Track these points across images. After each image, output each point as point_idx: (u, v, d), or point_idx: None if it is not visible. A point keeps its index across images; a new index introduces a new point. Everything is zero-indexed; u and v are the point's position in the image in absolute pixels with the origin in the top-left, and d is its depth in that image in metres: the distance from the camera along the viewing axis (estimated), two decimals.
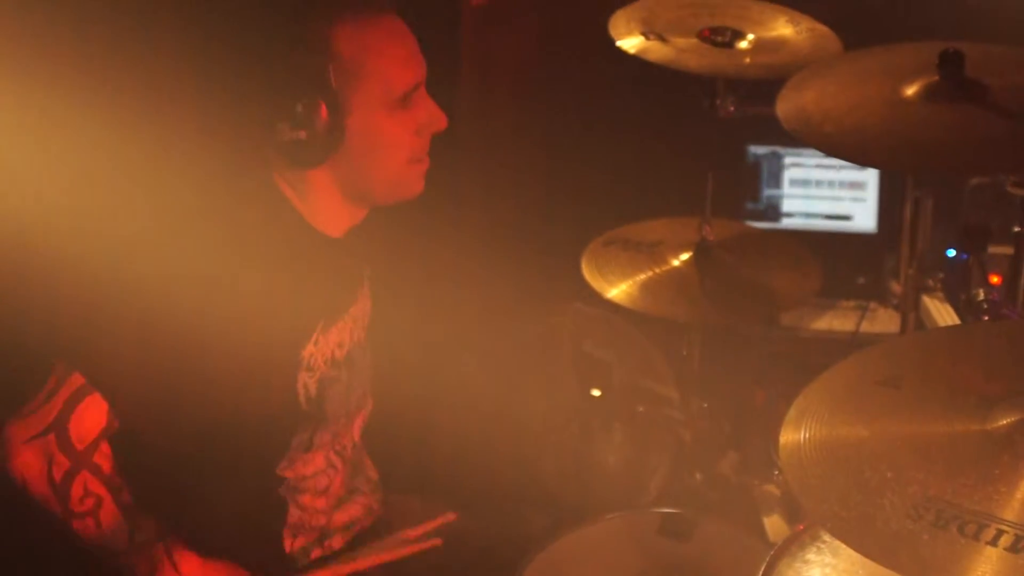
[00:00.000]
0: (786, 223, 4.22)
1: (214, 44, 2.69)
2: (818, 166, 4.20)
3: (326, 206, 2.35)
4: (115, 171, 2.68)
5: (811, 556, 2.03)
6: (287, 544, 2.45)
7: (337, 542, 2.53)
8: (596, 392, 3.23)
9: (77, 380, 2.17)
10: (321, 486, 2.47)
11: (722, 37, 3.03)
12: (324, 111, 2.21)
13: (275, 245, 2.29)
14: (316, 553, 2.49)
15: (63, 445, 2.17)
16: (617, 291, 2.92)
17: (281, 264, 2.27)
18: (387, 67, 2.25)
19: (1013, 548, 1.42)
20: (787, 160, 4.21)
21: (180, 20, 2.88)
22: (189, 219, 2.28)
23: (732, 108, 3.10)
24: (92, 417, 2.19)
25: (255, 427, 2.31)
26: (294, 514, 2.44)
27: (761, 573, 1.99)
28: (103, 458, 2.21)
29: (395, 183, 2.36)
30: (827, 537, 2.02)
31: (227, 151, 2.39)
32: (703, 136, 3.72)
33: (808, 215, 4.23)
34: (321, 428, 2.43)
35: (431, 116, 2.33)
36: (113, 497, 2.22)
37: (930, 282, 3.15)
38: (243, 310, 2.20)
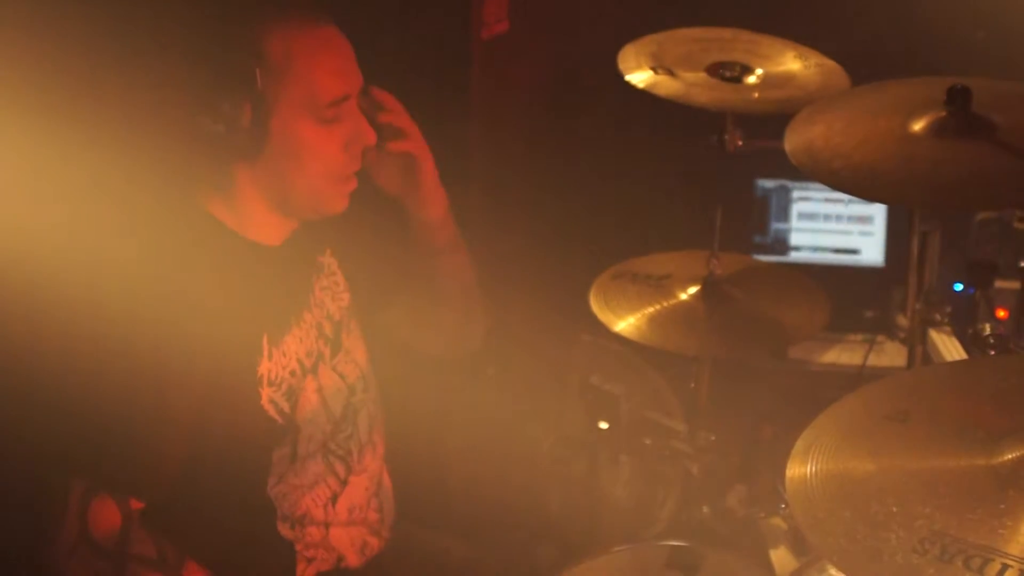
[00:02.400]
0: (794, 257, 4.23)
1: (141, 35, 2.69)
2: (826, 200, 4.21)
3: (255, 215, 2.34)
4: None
5: None
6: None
7: (354, 561, 2.53)
8: (604, 425, 3.23)
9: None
10: (323, 497, 2.47)
11: (731, 72, 3.04)
12: (248, 110, 2.22)
13: (202, 263, 2.27)
14: None
15: (96, 552, 2.16)
16: (625, 324, 2.93)
17: (212, 281, 2.26)
18: (314, 75, 2.25)
19: None
20: (795, 194, 4.22)
21: (105, 12, 2.86)
22: (112, 241, 2.26)
23: (740, 142, 3.10)
24: (108, 516, 2.18)
25: (234, 454, 2.30)
26: (304, 542, 2.44)
27: None
28: (141, 542, 2.20)
29: (316, 196, 2.35)
30: (833, 571, 2.02)
31: (150, 160, 2.37)
32: (711, 170, 3.73)
33: (816, 249, 4.24)
34: (302, 436, 2.41)
35: (358, 131, 2.33)
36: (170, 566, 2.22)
37: (937, 316, 3.15)
38: (185, 336, 2.18)
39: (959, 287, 3.61)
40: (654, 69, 3.02)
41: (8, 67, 2.60)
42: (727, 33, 3.20)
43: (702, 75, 3.03)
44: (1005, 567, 1.44)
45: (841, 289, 3.47)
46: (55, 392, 2.16)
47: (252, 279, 2.34)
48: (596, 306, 2.99)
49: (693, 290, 3.01)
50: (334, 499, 2.48)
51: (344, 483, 2.50)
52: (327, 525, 2.48)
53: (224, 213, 2.33)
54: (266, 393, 2.33)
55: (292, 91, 2.24)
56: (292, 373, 2.38)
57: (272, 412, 2.34)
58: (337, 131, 2.30)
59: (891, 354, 4.00)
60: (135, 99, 2.52)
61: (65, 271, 2.17)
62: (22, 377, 2.20)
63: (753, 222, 4.23)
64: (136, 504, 2.20)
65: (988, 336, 2.68)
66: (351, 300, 2.57)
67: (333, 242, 2.55)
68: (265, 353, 2.33)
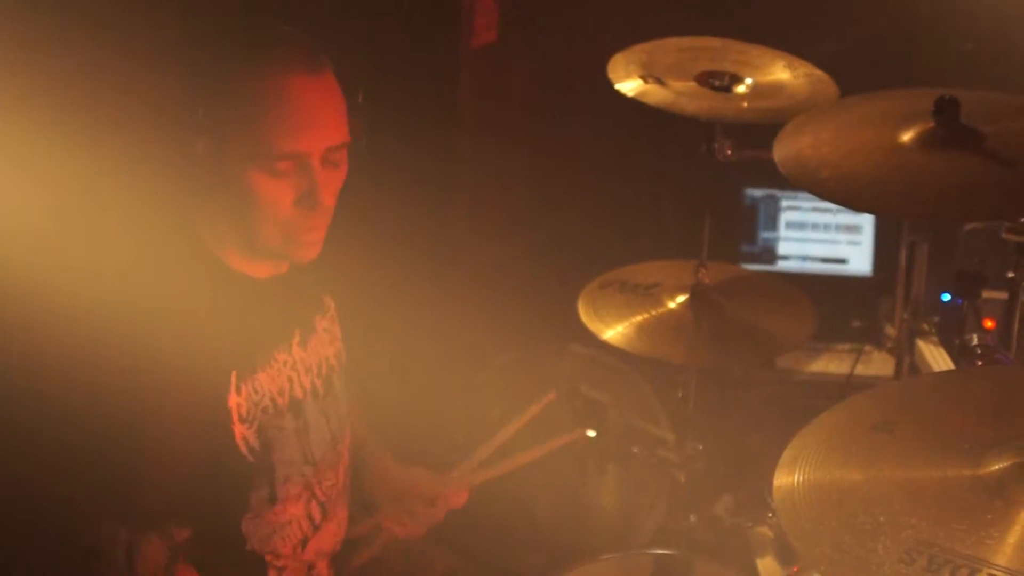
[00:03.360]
0: (782, 266, 4.24)
1: (139, 53, 2.69)
2: (814, 209, 4.21)
3: (239, 250, 2.31)
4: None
5: None
6: None
7: (323, 568, 2.52)
8: (591, 433, 3.23)
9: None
10: (295, 539, 2.44)
11: (720, 81, 3.05)
12: (203, 145, 2.20)
13: (183, 285, 2.24)
14: None
15: None
16: (613, 333, 2.93)
17: (188, 305, 2.22)
18: (265, 126, 2.18)
19: None
20: (783, 203, 4.23)
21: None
22: (102, 253, 2.26)
23: (729, 152, 3.10)
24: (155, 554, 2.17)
25: (207, 493, 2.26)
26: (273, 560, 2.42)
27: None
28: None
29: (274, 243, 2.28)
30: None
31: (144, 176, 2.37)
32: (700, 179, 3.73)
33: (804, 258, 4.24)
34: (278, 476, 2.38)
35: (313, 189, 2.23)
36: None
37: (925, 326, 3.16)
38: (156, 358, 2.14)
39: (947, 297, 3.62)
40: (643, 78, 3.02)
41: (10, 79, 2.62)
42: (716, 42, 3.20)
43: (691, 84, 3.03)
44: None
45: (829, 299, 3.48)
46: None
47: (231, 309, 2.30)
48: (585, 315, 3.00)
49: (681, 299, 3.01)
50: (304, 542, 2.47)
51: (316, 528, 2.49)
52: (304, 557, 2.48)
53: (211, 239, 2.31)
54: (239, 429, 2.29)
55: (242, 135, 2.19)
56: (264, 410, 2.33)
57: (244, 449, 2.30)
58: (288, 184, 2.22)
59: (878, 364, 4.00)
60: (133, 113, 2.53)
61: (52, 283, 2.18)
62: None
63: (741, 231, 4.23)
64: (181, 533, 2.19)
65: (975, 346, 2.69)
66: (342, 346, 2.56)
67: (334, 286, 2.53)
68: (233, 386, 2.28)
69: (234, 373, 2.28)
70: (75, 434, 2.14)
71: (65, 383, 2.15)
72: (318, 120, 2.23)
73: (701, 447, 3.18)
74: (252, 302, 2.34)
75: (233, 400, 2.28)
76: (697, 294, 3.01)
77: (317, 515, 2.47)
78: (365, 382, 2.69)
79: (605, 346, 2.95)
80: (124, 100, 2.82)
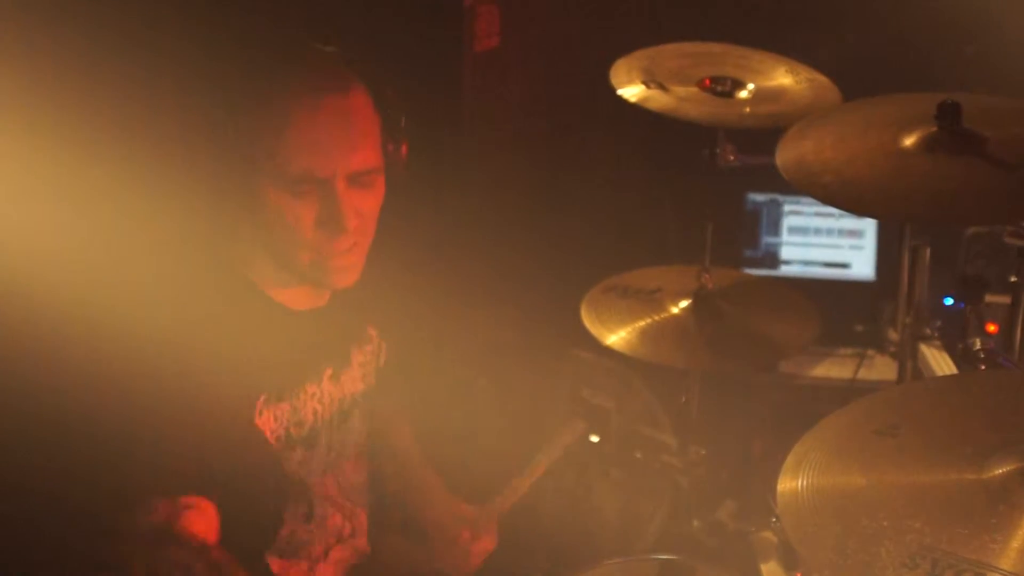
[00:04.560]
0: (784, 271, 4.24)
1: (166, 65, 2.69)
2: (817, 214, 4.21)
3: (276, 277, 2.30)
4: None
5: None
6: None
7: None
8: (594, 438, 3.23)
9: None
10: (316, 553, 2.46)
11: (722, 86, 3.05)
12: (229, 162, 2.18)
13: (218, 311, 2.22)
14: None
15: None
16: (616, 338, 2.93)
17: (226, 328, 2.20)
18: (289, 148, 2.15)
19: None
20: (786, 208, 4.23)
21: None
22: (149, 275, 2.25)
23: (732, 157, 3.11)
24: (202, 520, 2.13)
25: (247, 517, 2.25)
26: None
27: None
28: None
29: (307, 269, 2.26)
30: None
31: (182, 205, 2.37)
32: (702, 184, 3.74)
33: (806, 263, 4.24)
34: (316, 497, 2.40)
35: (334, 214, 2.19)
36: None
37: (928, 330, 3.15)
38: (193, 384, 2.13)
39: (949, 301, 3.61)
40: (646, 83, 3.02)
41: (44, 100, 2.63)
42: (718, 48, 3.20)
43: (694, 90, 3.03)
44: None
45: (831, 303, 3.48)
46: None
47: (262, 336, 2.27)
48: (587, 320, 3.00)
49: (684, 304, 3.01)
50: (327, 552, 2.48)
51: (340, 541, 2.51)
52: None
53: (245, 263, 2.29)
54: (272, 449, 2.30)
55: (265, 154, 2.16)
56: (278, 439, 2.32)
57: (287, 469, 2.33)
58: (308, 205, 2.19)
59: (881, 368, 4.00)
60: (167, 132, 2.53)
61: (91, 296, 2.17)
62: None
63: (744, 236, 4.23)
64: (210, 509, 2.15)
65: (978, 351, 2.68)
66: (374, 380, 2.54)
67: (377, 315, 2.50)
68: (257, 409, 2.28)
69: (261, 398, 2.27)
70: (108, 439, 2.13)
71: (101, 397, 2.15)
72: (342, 142, 2.19)
73: (704, 452, 3.18)
74: (286, 333, 2.32)
75: (256, 421, 2.27)
76: (700, 299, 3.01)
77: (346, 531, 2.50)
78: (416, 407, 2.70)
79: (608, 351, 2.95)
80: (156, 118, 2.83)
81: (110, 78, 2.79)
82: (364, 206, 2.24)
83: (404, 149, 2.34)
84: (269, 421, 2.30)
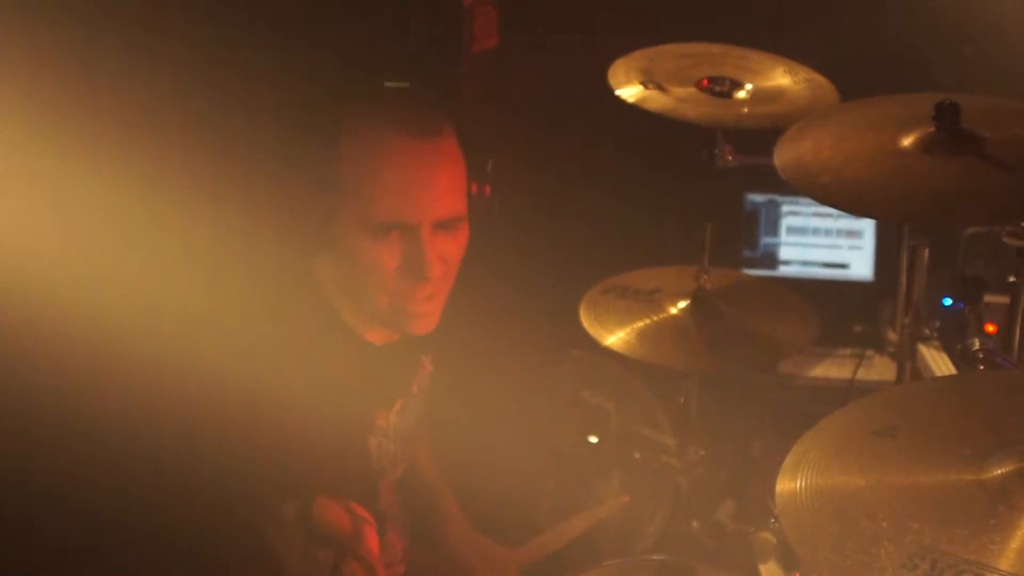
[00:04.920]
0: (783, 271, 4.24)
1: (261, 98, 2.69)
2: (815, 214, 4.22)
3: (357, 313, 2.27)
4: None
5: None
6: None
7: None
8: (593, 439, 3.23)
9: None
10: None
11: (720, 87, 3.05)
12: (314, 201, 2.16)
13: (319, 346, 2.21)
14: None
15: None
16: (615, 339, 2.93)
17: (326, 366, 2.18)
18: (374, 193, 2.12)
19: None
20: (784, 208, 4.23)
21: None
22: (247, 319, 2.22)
23: (730, 157, 3.11)
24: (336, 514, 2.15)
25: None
26: None
27: None
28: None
29: (386, 315, 2.24)
30: None
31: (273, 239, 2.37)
32: (701, 185, 3.74)
33: (805, 263, 4.24)
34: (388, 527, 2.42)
35: (418, 260, 2.16)
36: None
37: (926, 331, 3.15)
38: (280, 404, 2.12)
39: (948, 302, 3.62)
40: (644, 84, 3.02)
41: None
42: (717, 48, 3.21)
43: (692, 90, 3.03)
44: None
45: (830, 303, 3.47)
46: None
47: (348, 369, 2.25)
48: (586, 320, 3.00)
49: (683, 304, 3.01)
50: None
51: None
52: None
53: (332, 295, 2.27)
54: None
55: (349, 197, 2.13)
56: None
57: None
58: (392, 250, 2.15)
59: (880, 369, 4.00)
60: (257, 166, 2.54)
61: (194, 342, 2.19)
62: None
63: (742, 236, 4.23)
64: (362, 511, 2.16)
65: (977, 351, 2.68)
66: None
67: (431, 345, 2.47)
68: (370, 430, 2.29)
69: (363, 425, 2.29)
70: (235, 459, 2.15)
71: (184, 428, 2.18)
72: (427, 190, 2.15)
73: (703, 453, 3.18)
74: (368, 367, 2.30)
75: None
76: (698, 299, 3.01)
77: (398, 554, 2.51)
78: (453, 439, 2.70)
79: (607, 352, 2.94)
80: (255, 156, 2.83)
81: (206, 128, 2.81)
82: (448, 252, 2.21)
83: (488, 191, 2.32)
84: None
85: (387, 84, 2.26)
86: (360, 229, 2.14)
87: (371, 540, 2.14)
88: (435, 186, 2.15)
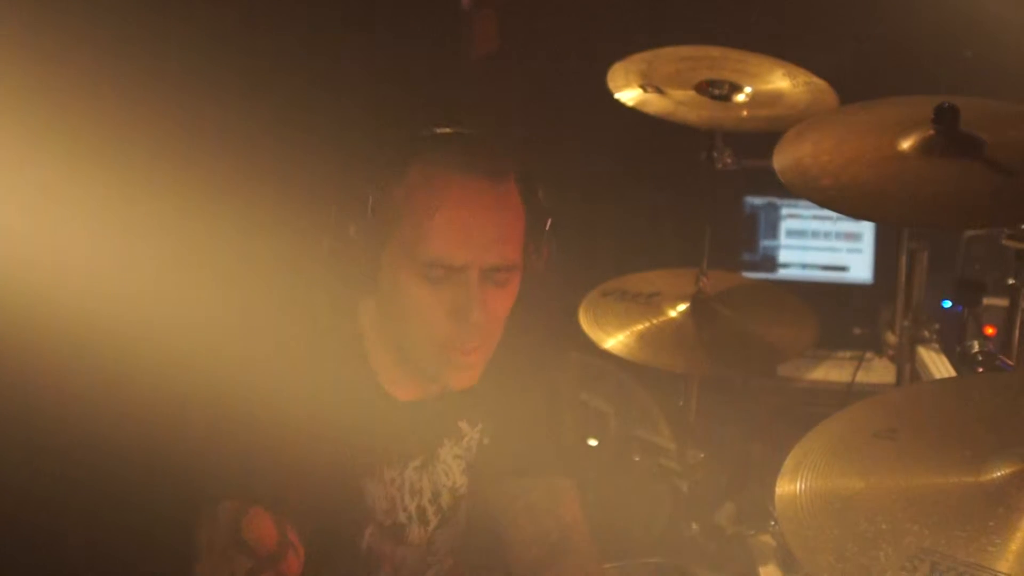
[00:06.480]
0: (782, 274, 4.24)
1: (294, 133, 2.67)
2: (814, 217, 4.22)
3: (392, 365, 2.22)
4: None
5: None
6: None
7: None
8: (593, 442, 3.23)
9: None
10: None
11: (719, 90, 3.05)
12: (360, 238, 2.11)
13: (334, 394, 2.16)
14: None
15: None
16: (614, 341, 2.93)
17: (331, 408, 2.15)
18: (427, 231, 2.06)
19: None
20: (784, 211, 4.23)
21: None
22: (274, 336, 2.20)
23: (729, 160, 3.11)
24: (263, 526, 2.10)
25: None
26: None
27: None
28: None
29: (427, 357, 2.16)
30: None
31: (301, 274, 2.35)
32: (700, 188, 3.74)
33: (804, 266, 4.24)
34: None
35: (467, 303, 2.09)
36: None
37: (926, 333, 3.16)
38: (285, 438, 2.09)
39: (947, 304, 3.62)
40: (643, 87, 3.02)
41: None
42: (716, 51, 3.21)
43: (691, 93, 3.03)
44: None
45: (829, 306, 3.48)
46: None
47: (368, 424, 2.21)
48: (586, 323, 3.00)
49: (682, 307, 3.02)
50: None
51: None
52: None
53: (370, 348, 2.23)
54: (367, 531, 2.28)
55: (401, 237, 2.08)
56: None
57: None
58: (442, 294, 2.09)
59: (880, 371, 4.00)
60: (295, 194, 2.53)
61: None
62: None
63: (742, 240, 4.24)
64: (294, 538, 2.12)
65: (976, 353, 2.68)
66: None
67: (472, 411, 2.38)
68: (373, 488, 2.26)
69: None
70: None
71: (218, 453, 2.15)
72: (482, 232, 2.09)
73: (702, 456, 3.18)
74: (385, 423, 2.25)
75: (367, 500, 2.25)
76: (698, 303, 3.01)
77: None
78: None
79: (606, 355, 2.95)
80: (292, 194, 2.82)
81: (244, 152, 2.81)
82: (495, 304, 2.16)
83: (546, 253, 2.29)
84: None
85: (452, 129, 2.19)
86: (408, 269, 2.10)
87: (292, 565, 2.12)
88: (490, 230, 2.11)
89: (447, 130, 2.17)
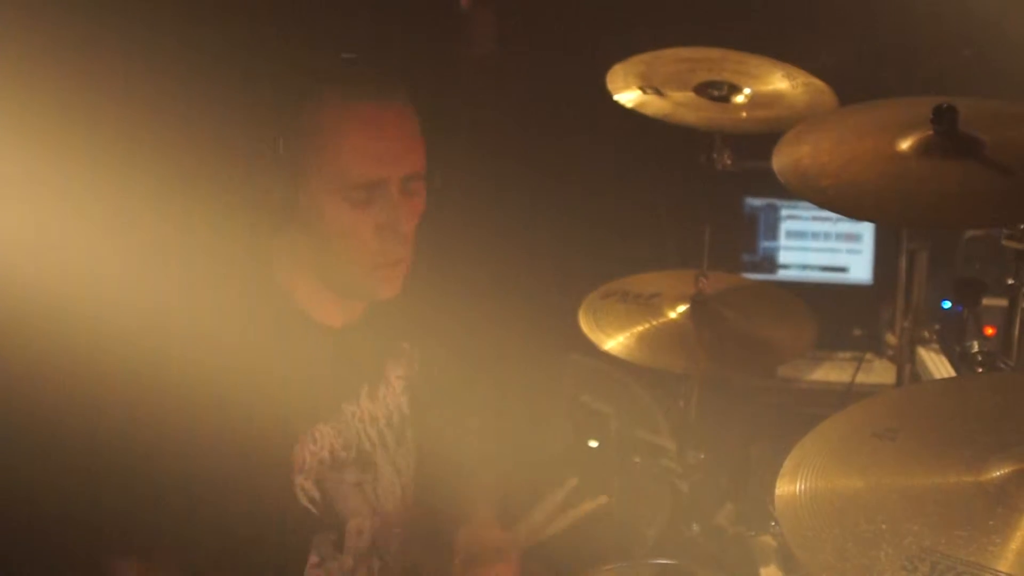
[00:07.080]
0: (782, 275, 4.24)
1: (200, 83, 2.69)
2: (814, 218, 4.22)
3: (315, 294, 2.31)
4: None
5: None
6: None
7: None
8: (593, 443, 3.23)
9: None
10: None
11: (719, 91, 3.05)
12: (273, 179, 2.20)
13: (265, 334, 2.24)
14: None
15: None
16: (614, 343, 2.93)
17: (273, 355, 2.21)
18: (346, 156, 2.19)
19: None
20: (783, 212, 4.23)
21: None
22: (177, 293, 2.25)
23: (728, 161, 3.11)
24: None
25: (266, 537, 2.26)
26: None
27: None
28: None
29: (355, 278, 2.28)
30: None
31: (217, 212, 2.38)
32: (700, 189, 3.74)
33: (804, 267, 4.25)
34: (349, 529, 2.37)
35: (395, 217, 2.24)
36: None
37: (925, 334, 3.16)
38: (230, 406, 2.15)
39: (947, 305, 3.62)
40: (642, 89, 3.02)
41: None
42: (715, 53, 3.21)
43: (690, 95, 3.03)
44: None
45: (829, 307, 3.48)
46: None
47: (302, 359, 2.29)
48: (586, 325, 3.00)
49: (682, 309, 3.01)
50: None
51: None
52: None
53: (289, 282, 2.30)
54: (298, 480, 2.29)
55: (319, 166, 2.19)
56: (321, 462, 2.32)
57: (304, 500, 2.31)
58: (367, 214, 2.22)
59: (879, 372, 4.01)
60: (206, 150, 2.54)
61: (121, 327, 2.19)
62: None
63: (742, 241, 4.24)
64: None
65: (976, 354, 2.69)
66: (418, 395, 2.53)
67: (412, 330, 2.51)
68: (301, 439, 2.28)
69: (298, 423, 2.27)
70: (132, 476, 2.15)
71: (126, 425, 2.16)
72: (394, 147, 2.23)
73: (703, 456, 3.18)
74: (324, 353, 2.32)
75: (297, 452, 2.27)
76: (698, 304, 3.01)
77: (376, 566, 2.46)
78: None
79: (606, 356, 2.94)
80: (194, 136, 2.83)
81: (146, 96, 2.81)
82: (413, 214, 2.29)
83: (437, 159, 2.36)
84: (306, 445, 2.29)
85: (345, 57, 2.30)
86: (333, 198, 2.20)
87: None
88: (398, 144, 2.24)
89: (341, 62, 2.28)
